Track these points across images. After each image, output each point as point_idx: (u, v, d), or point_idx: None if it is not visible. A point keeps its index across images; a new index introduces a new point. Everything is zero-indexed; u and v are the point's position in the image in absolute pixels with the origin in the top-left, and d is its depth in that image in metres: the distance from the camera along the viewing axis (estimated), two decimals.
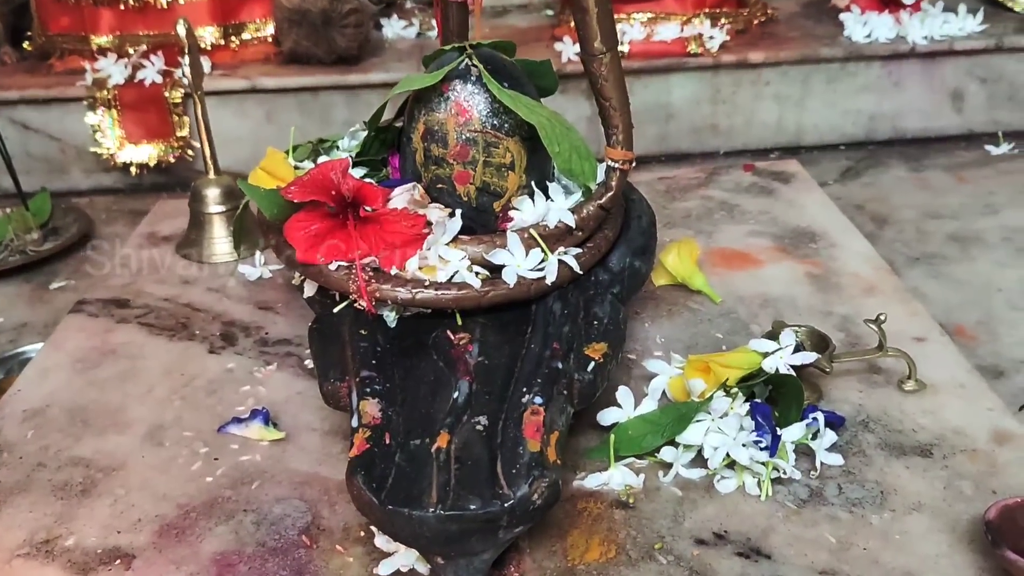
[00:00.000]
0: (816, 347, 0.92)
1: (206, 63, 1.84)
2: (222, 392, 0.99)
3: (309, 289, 0.92)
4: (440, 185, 0.91)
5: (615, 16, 1.91)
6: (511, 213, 0.91)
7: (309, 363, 1.01)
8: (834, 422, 0.87)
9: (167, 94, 1.80)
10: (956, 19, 1.88)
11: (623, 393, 0.88)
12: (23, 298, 1.55)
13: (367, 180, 0.95)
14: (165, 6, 1.84)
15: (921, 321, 1.04)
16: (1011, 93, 1.90)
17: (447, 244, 0.86)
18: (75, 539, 0.79)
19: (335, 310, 0.88)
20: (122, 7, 1.84)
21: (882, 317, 0.91)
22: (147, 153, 1.83)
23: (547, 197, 0.91)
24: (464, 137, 0.89)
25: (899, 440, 0.87)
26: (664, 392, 0.93)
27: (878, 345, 0.92)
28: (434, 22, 2.03)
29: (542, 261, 0.87)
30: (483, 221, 0.91)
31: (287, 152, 1.02)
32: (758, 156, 1.94)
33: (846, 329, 1.03)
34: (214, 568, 0.76)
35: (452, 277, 0.85)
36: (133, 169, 1.84)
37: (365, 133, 1.04)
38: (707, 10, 1.93)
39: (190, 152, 1.84)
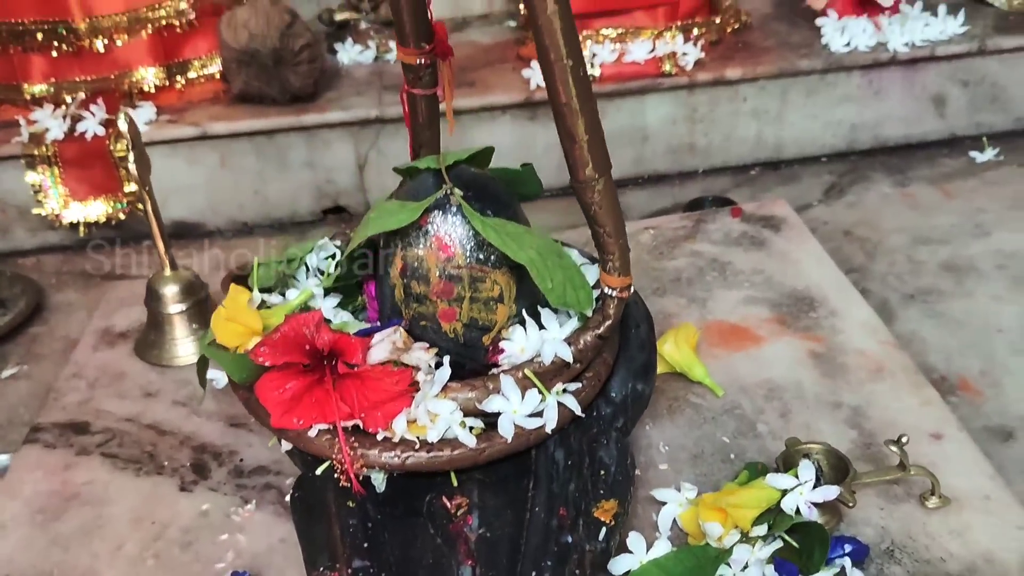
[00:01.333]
0: (834, 469, 0.87)
1: (150, 109, 1.72)
2: (198, 544, 0.91)
3: (286, 444, 0.84)
4: (423, 323, 0.83)
5: (582, 33, 1.83)
6: (502, 344, 0.83)
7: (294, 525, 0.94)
8: (859, 555, 0.82)
9: (111, 147, 1.68)
10: (936, 21, 1.81)
11: (634, 539, 0.82)
12: None
13: (341, 316, 0.88)
14: (102, 50, 1.71)
15: (935, 412, 0.99)
16: (993, 95, 1.85)
17: (436, 396, 0.79)
18: None
19: (317, 471, 0.81)
20: (55, 53, 1.70)
21: (904, 440, 0.86)
22: (95, 211, 1.72)
23: (540, 325, 0.84)
24: (448, 274, 0.81)
25: (927, 572, 0.82)
26: (675, 520, 0.87)
27: (899, 464, 0.87)
28: (392, 44, 1.93)
29: (540, 403, 0.80)
30: (472, 355, 0.83)
31: (250, 274, 0.92)
32: (738, 173, 1.87)
33: (858, 425, 0.98)
34: None
35: (444, 433, 0.78)
36: (81, 229, 1.72)
37: (334, 249, 0.95)
38: (679, 22, 1.84)
39: (140, 206, 1.72)
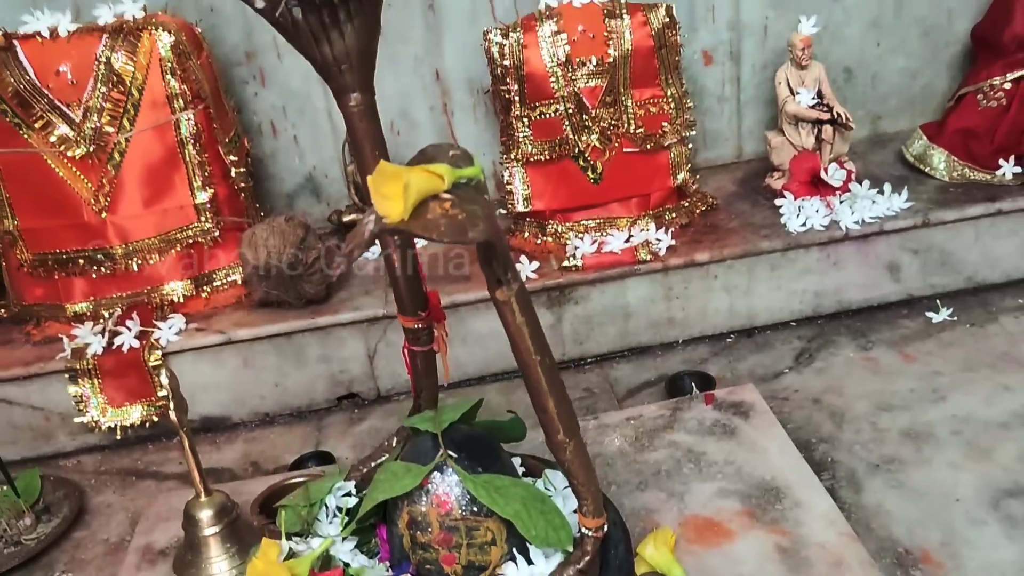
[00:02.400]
0: None
1: (180, 320, 1.91)
2: None
3: None
4: (428, 567, 0.97)
5: (564, 225, 2.03)
6: None
7: None
8: None
9: (145, 357, 1.86)
10: (883, 199, 2.00)
11: None
12: None
13: (359, 560, 1.02)
14: (136, 269, 1.92)
15: None
16: (942, 260, 2.02)
17: None
18: None
19: None
20: (94, 275, 1.91)
21: None
22: (131, 416, 1.88)
23: (529, 561, 0.98)
24: (447, 526, 0.96)
25: None
26: None
27: None
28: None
29: None
30: None
31: (278, 523, 1.07)
32: (715, 341, 2.04)
33: None
34: None
35: None
36: (119, 432, 1.89)
37: (351, 487, 1.10)
38: (651, 210, 2.04)
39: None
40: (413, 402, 1.17)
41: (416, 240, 1.14)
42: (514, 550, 0.97)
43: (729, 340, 2.05)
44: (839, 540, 1.23)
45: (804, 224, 1.98)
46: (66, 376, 1.86)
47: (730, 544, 1.25)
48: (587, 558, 0.97)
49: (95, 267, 1.91)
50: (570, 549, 0.98)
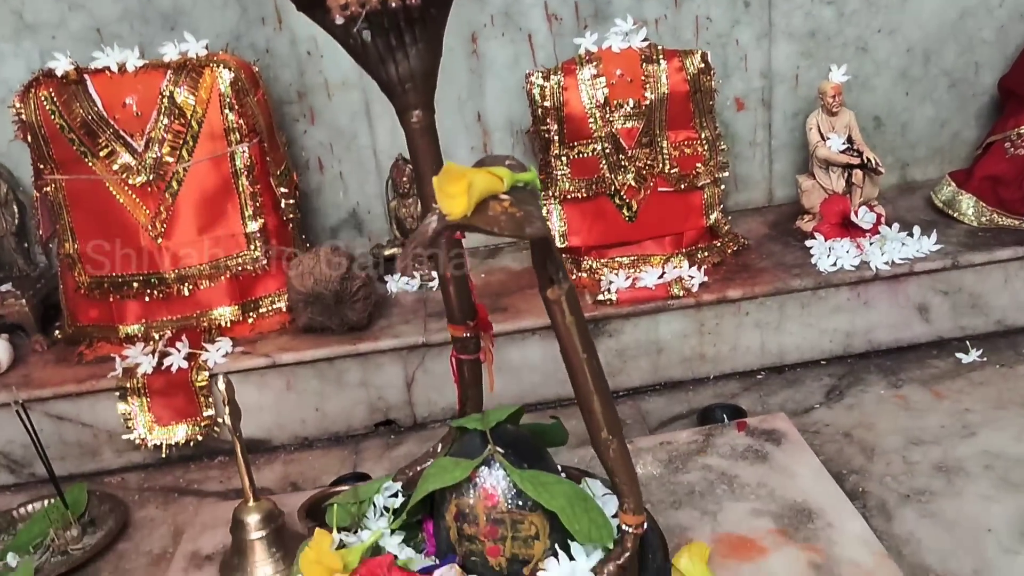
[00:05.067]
0: None
1: (227, 343, 1.98)
2: None
3: None
4: (474, 558, 1.02)
5: (599, 261, 2.09)
6: (540, 575, 1.01)
7: None
8: None
9: (192, 377, 1.93)
10: (912, 241, 2.05)
11: None
12: None
13: (406, 552, 1.06)
14: (187, 294, 2.00)
15: None
16: (972, 302, 2.06)
17: None
18: None
19: None
20: (147, 299, 1.99)
21: None
22: (176, 435, 1.94)
23: (570, 557, 1.02)
24: (493, 518, 1.00)
25: None
26: None
27: None
28: (434, 274, 2.20)
29: None
30: None
31: (329, 518, 1.12)
32: (746, 377, 2.07)
33: None
34: None
35: None
36: (164, 450, 1.95)
37: (398, 488, 1.15)
38: (684, 249, 2.10)
39: (216, 429, 1.95)
40: (458, 410, 1.22)
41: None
42: (556, 546, 1.01)
43: (760, 377, 2.08)
44: (874, 559, 1.25)
45: (834, 264, 2.02)
46: (116, 394, 1.93)
47: (763, 559, 1.27)
48: (627, 554, 1.00)
49: (149, 291, 1.99)
50: (611, 547, 1.01)
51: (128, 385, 1.93)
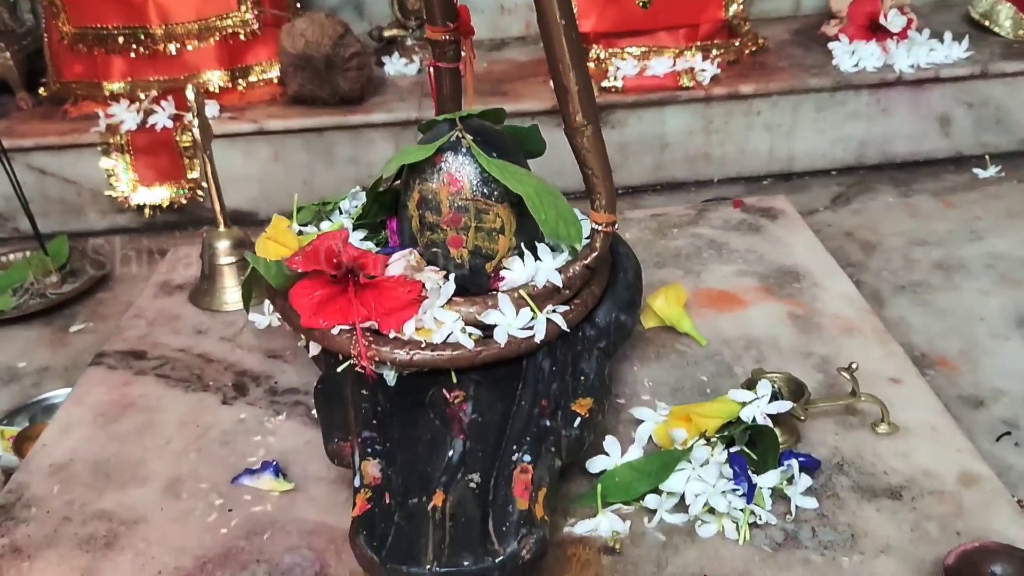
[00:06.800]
0: (793, 394, 0.98)
1: (214, 106, 1.91)
2: (235, 443, 1.05)
3: (314, 349, 0.98)
4: (435, 249, 0.97)
5: (608, 51, 1.98)
6: (502, 273, 0.97)
7: (316, 413, 1.07)
8: (810, 466, 0.92)
9: (178, 138, 1.87)
10: (942, 46, 1.92)
11: (610, 442, 0.94)
12: (44, 341, 1.62)
13: (366, 245, 1.02)
14: (174, 53, 1.91)
15: (897, 362, 1.09)
16: (998, 117, 1.95)
17: (442, 307, 0.92)
18: None
19: (338, 369, 0.94)
20: (133, 55, 1.91)
21: (854, 366, 0.96)
22: (160, 195, 1.90)
23: (536, 257, 0.97)
24: (456, 205, 0.95)
25: (871, 483, 0.92)
26: (651, 437, 0.98)
27: (851, 391, 0.97)
28: None
29: (531, 320, 0.93)
30: (476, 281, 0.97)
31: (292, 215, 1.08)
32: (751, 183, 1.99)
33: (824, 370, 1.09)
34: None
35: (447, 338, 0.91)
36: (147, 211, 1.91)
37: (364, 195, 1.09)
38: (699, 43, 1.98)
39: (200, 193, 1.91)
40: None
41: None
42: (522, 245, 0.96)
43: (765, 183, 2.00)
44: (855, 313, 1.20)
45: (856, 65, 1.91)
46: (99, 149, 1.88)
47: (743, 311, 1.22)
48: (595, 254, 0.95)
49: (135, 45, 1.91)
50: (579, 248, 0.96)
51: (111, 141, 1.87)
